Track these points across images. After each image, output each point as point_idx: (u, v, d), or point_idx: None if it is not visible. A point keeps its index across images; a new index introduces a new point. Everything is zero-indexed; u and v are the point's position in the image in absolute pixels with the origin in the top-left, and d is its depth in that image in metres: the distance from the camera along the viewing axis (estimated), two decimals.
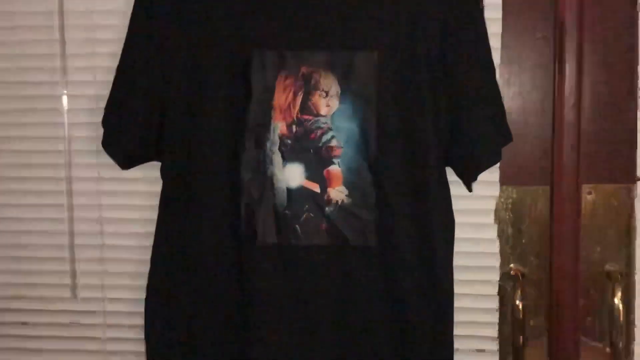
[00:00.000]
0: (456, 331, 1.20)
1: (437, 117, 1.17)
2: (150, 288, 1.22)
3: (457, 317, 1.20)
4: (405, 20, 1.16)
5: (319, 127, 1.16)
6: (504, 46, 1.27)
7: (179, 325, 1.19)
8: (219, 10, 1.18)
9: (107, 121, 1.23)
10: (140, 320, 1.23)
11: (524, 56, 1.28)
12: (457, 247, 1.21)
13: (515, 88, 1.28)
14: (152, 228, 1.23)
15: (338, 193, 1.17)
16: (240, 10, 1.17)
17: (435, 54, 1.16)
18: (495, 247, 1.29)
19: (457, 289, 1.20)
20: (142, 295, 1.22)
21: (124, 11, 1.24)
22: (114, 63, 1.22)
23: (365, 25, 1.16)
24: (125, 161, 1.25)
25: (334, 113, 1.16)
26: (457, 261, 1.21)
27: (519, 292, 1.26)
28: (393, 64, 1.16)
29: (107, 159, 1.25)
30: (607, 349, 1.27)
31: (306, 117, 1.16)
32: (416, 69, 1.16)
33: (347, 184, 1.17)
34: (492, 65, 1.20)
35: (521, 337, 1.26)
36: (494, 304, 1.29)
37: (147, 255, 1.22)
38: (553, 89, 1.28)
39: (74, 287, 1.32)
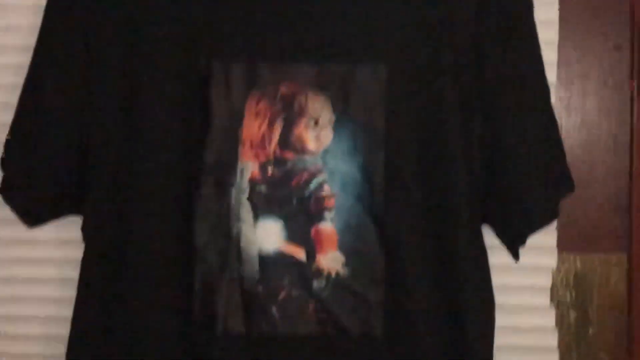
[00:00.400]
0: None
1: (469, 157, 1.17)
2: None
3: None
4: (423, 20, 1.17)
5: (305, 169, 1.16)
6: (561, 59, 1.28)
7: None
8: (168, 6, 1.18)
9: (8, 159, 1.21)
10: None
11: (590, 73, 1.29)
12: (499, 340, 1.20)
13: (577, 116, 1.29)
14: (66, 312, 1.21)
15: (331, 261, 1.15)
16: (198, 7, 1.17)
17: (465, 67, 1.17)
18: (553, 340, 1.28)
19: None
20: None
21: (34, 5, 1.25)
22: (18, 78, 1.22)
23: (369, 27, 1.17)
24: (32, 215, 1.23)
25: (326, 149, 1.16)
26: None
27: None
28: (408, 80, 1.16)
29: (6, 212, 1.24)
30: None
31: (287, 154, 1.16)
32: (439, 88, 1.16)
33: (344, 248, 1.16)
34: (546, 85, 1.20)
35: None
36: None
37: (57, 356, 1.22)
38: (630, 117, 1.30)
39: None
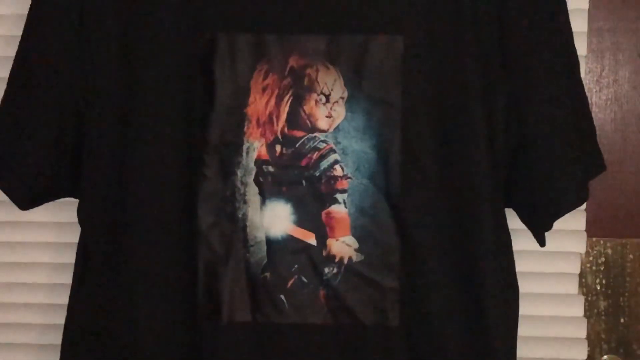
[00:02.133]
0: None
1: (491, 135, 1.16)
2: None
3: None
4: None
5: (316, 148, 1.15)
6: (592, 28, 1.29)
7: None
8: None
9: (0, 139, 1.22)
10: None
11: (623, 43, 1.30)
12: (522, 330, 1.20)
13: (608, 90, 1.31)
14: (61, 298, 1.23)
15: (344, 246, 1.15)
16: None
17: (488, 39, 1.16)
18: (582, 330, 1.30)
19: None
20: None
21: None
22: (9, 53, 1.23)
23: None
24: (26, 198, 1.22)
25: (338, 127, 1.15)
26: (522, 351, 1.21)
27: None
28: (427, 54, 1.15)
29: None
30: None
31: (297, 132, 1.15)
32: (462, 63, 1.15)
33: (357, 233, 1.15)
34: (575, 57, 1.19)
35: None
36: None
37: (54, 340, 1.24)
38: None
39: None
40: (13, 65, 1.21)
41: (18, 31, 1.22)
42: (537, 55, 1.16)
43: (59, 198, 1.23)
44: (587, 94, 1.19)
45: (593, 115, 1.21)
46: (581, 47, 1.24)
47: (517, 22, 1.16)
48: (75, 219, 1.20)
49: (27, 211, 1.24)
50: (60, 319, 1.21)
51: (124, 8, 1.17)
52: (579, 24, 1.24)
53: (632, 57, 1.30)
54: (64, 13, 1.18)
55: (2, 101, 1.22)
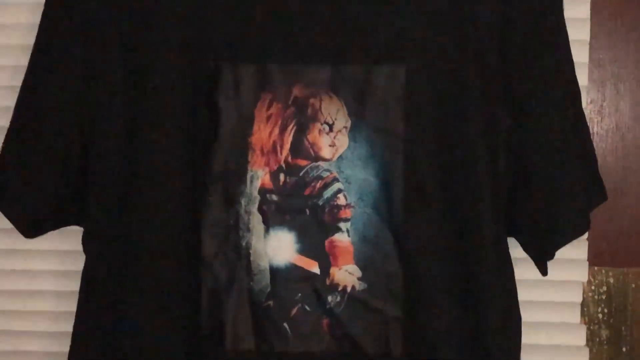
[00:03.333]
0: None
1: (493, 164, 1.16)
2: None
3: None
4: (444, 19, 1.16)
5: (320, 177, 1.15)
6: (593, 59, 1.29)
7: None
8: (174, 6, 1.17)
9: (5, 167, 1.21)
10: None
11: (624, 74, 1.30)
12: (525, 359, 1.19)
13: (610, 121, 1.29)
14: (65, 326, 1.22)
15: (347, 275, 1.15)
16: (205, 7, 1.17)
17: (490, 69, 1.16)
18: (584, 359, 1.28)
19: None
20: None
21: (33, 4, 1.26)
22: (16, 82, 1.23)
23: (386, 27, 1.16)
24: (31, 226, 1.22)
25: (341, 156, 1.15)
26: None
27: None
28: (429, 83, 1.16)
29: (3, 222, 1.24)
30: None
31: (300, 161, 1.16)
32: (462, 92, 1.16)
33: (361, 261, 1.15)
34: (577, 87, 1.19)
35: None
36: None
37: None
38: None
39: None
40: (19, 95, 1.21)
41: (24, 61, 1.21)
42: (539, 86, 1.16)
43: (63, 226, 1.23)
44: (588, 124, 1.19)
45: (594, 145, 1.21)
46: (582, 77, 1.23)
47: (519, 53, 1.16)
48: (80, 247, 1.20)
49: (32, 239, 1.24)
50: (65, 347, 1.20)
51: (129, 38, 1.17)
52: (580, 55, 1.24)
53: (633, 87, 1.29)
54: (70, 43, 1.18)
55: (8, 130, 1.21)
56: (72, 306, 1.21)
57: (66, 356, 1.20)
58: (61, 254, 1.30)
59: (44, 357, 1.32)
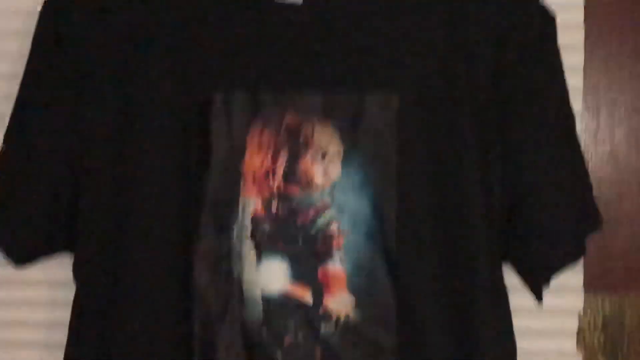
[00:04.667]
0: None
1: (487, 191, 1.17)
2: None
3: None
4: (438, 48, 1.16)
5: (312, 205, 1.15)
6: (587, 85, 1.29)
7: None
8: (165, 31, 1.18)
9: None
10: None
11: (619, 100, 1.30)
12: None
13: (605, 147, 1.30)
14: (56, 356, 1.22)
15: (340, 304, 1.15)
16: (196, 36, 1.18)
17: (483, 97, 1.17)
18: None
19: None
20: None
21: (24, 32, 1.26)
22: (5, 109, 1.24)
23: (380, 55, 1.16)
24: (21, 255, 1.23)
25: (334, 184, 1.15)
26: None
27: None
28: (422, 112, 1.16)
29: None
30: None
31: (293, 189, 1.15)
32: (455, 120, 1.16)
33: (354, 290, 1.15)
34: (571, 114, 1.20)
35: None
36: None
37: None
38: None
39: None
40: (9, 123, 1.22)
41: (14, 89, 1.22)
42: (532, 112, 1.17)
43: (53, 254, 1.23)
44: (583, 150, 1.20)
45: (589, 171, 1.21)
46: (577, 103, 1.24)
47: (511, 80, 1.17)
48: (70, 277, 1.20)
49: (21, 269, 1.24)
50: None
51: (120, 68, 1.18)
52: (574, 81, 1.23)
53: (628, 113, 1.29)
54: (59, 75, 1.19)
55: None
56: (62, 337, 1.20)
57: None
58: (52, 283, 1.29)
59: None
